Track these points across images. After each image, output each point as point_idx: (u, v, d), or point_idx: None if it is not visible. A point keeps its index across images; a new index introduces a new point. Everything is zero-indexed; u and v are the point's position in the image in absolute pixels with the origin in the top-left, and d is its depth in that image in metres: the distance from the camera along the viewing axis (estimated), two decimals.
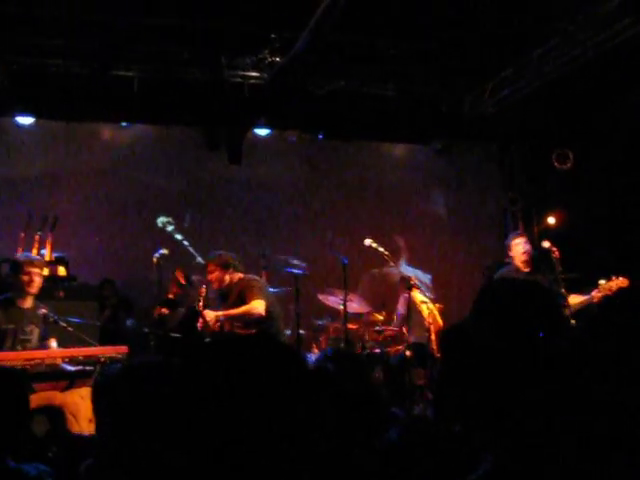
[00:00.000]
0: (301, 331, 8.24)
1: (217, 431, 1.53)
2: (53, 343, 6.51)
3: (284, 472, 1.54)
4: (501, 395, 1.52)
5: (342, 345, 8.48)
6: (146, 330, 7.47)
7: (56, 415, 5.47)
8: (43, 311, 6.40)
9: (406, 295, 8.23)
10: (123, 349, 6.14)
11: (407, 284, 7.69)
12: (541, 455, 1.47)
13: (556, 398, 1.51)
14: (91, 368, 5.88)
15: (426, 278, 8.75)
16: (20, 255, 6.78)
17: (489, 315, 1.65)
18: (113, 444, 2.81)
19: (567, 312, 7.22)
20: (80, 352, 6.01)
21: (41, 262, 6.59)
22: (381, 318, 9.15)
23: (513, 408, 1.51)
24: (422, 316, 8.35)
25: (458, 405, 1.71)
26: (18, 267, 6.38)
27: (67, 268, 8.38)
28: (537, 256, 7.94)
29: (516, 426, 1.50)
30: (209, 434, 1.54)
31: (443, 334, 2.36)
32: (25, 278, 6.29)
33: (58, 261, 8.35)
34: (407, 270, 8.35)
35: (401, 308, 8.95)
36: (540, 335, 1.51)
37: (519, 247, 7.72)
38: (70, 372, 5.91)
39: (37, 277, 6.35)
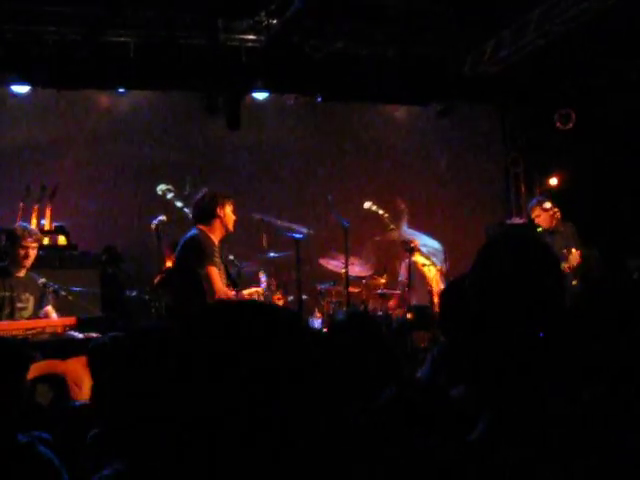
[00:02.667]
0: (303, 296, 8.24)
1: (214, 399, 1.51)
2: (52, 314, 6.52)
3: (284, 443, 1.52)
4: (495, 355, 1.50)
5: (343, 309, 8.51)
6: (147, 298, 7.48)
7: (59, 383, 5.48)
8: (42, 280, 6.40)
9: (407, 260, 8.23)
10: (71, 320, 6.11)
11: (407, 247, 7.66)
12: (536, 416, 1.45)
13: (549, 359, 1.49)
14: (98, 335, 5.89)
15: (434, 243, 8.73)
16: (17, 226, 6.66)
17: (487, 271, 1.61)
18: (113, 412, 2.80)
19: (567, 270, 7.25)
20: (28, 324, 5.97)
21: (38, 235, 6.55)
22: (383, 282, 9.15)
23: (506, 369, 1.49)
24: (424, 279, 8.35)
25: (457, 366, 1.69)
26: (15, 240, 6.36)
27: (67, 237, 8.37)
28: None
29: (511, 387, 1.48)
30: (205, 402, 1.52)
31: (442, 292, 2.34)
32: (21, 252, 6.29)
33: (58, 230, 8.34)
34: (408, 233, 8.32)
35: (403, 272, 8.94)
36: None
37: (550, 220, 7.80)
38: (73, 340, 5.92)
39: (33, 251, 6.35)
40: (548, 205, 7.69)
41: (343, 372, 2.59)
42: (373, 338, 2.79)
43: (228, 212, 5.99)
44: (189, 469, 1.54)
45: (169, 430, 1.79)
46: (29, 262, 6.36)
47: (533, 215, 8.11)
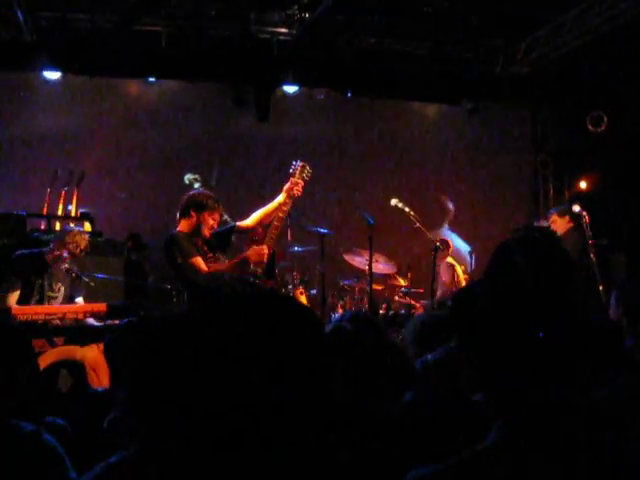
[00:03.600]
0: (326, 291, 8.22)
1: (226, 389, 1.50)
2: (80, 301, 6.56)
3: (295, 432, 1.51)
4: (503, 361, 1.47)
5: (366, 306, 8.50)
6: (168, 286, 7.50)
7: (77, 369, 5.51)
8: (66, 266, 6.43)
9: (446, 261, 8.15)
10: (102, 307, 6.11)
11: (434, 247, 7.58)
12: (550, 422, 1.43)
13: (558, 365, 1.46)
14: (116, 322, 5.92)
15: (464, 246, 8.69)
16: (72, 230, 6.70)
17: (498, 273, 1.59)
18: (131, 398, 2.80)
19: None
20: (49, 309, 5.96)
21: (82, 250, 6.51)
22: (404, 284, 9.11)
23: (515, 374, 1.46)
24: (456, 279, 8.34)
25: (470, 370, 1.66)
26: (61, 242, 6.39)
27: (92, 224, 8.41)
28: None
29: (524, 393, 1.47)
30: (217, 391, 1.51)
31: (454, 296, 2.31)
32: (56, 254, 6.30)
33: (83, 217, 8.39)
34: (445, 234, 8.29)
35: (444, 276, 8.82)
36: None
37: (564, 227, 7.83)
38: (92, 327, 5.96)
39: (67, 259, 6.37)
40: (577, 208, 7.61)
41: (352, 373, 2.57)
42: (379, 343, 2.76)
43: (207, 219, 5.94)
44: (195, 457, 1.53)
45: (180, 418, 1.78)
46: (59, 263, 6.40)
47: (550, 221, 8.10)
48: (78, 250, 6.40)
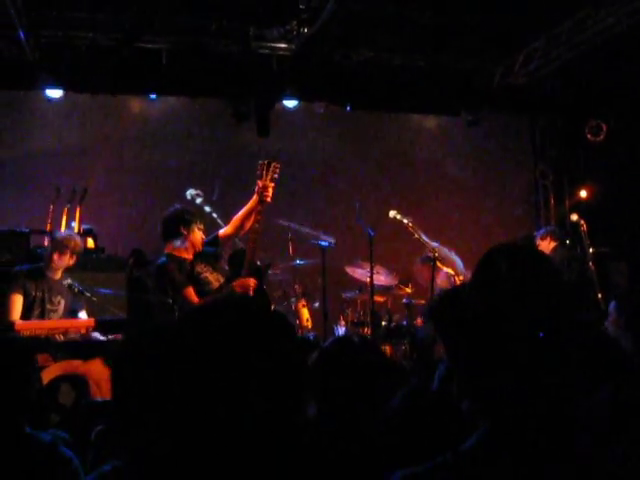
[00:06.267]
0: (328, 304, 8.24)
1: (209, 398, 1.54)
2: (83, 315, 6.61)
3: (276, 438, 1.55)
4: (488, 363, 1.51)
5: (368, 319, 8.51)
6: (170, 301, 7.51)
7: (80, 383, 5.55)
8: (68, 281, 6.49)
9: (445, 271, 8.17)
10: (90, 322, 6.19)
11: (430, 259, 7.61)
12: (531, 423, 1.46)
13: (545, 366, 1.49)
14: (120, 337, 5.99)
15: (459, 262, 8.68)
16: (62, 233, 6.94)
17: (484, 280, 1.63)
18: (120, 409, 2.85)
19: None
20: (52, 324, 6.06)
21: (76, 245, 6.62)
22: (408, 291, 9.11)
23: (502, 375, 1.50)
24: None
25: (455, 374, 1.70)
26: (53, 243, 6.58)
27: (95, 240, 8.46)
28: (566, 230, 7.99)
29: (507, 394, 1.49)
30: (201, 401, 1.55)
31: (437, 300, 2.33)
32: (55, 256, 6.41)
33: (86, 233, 8.43)
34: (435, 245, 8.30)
35: (442, 284, 8.81)
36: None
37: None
38: (96, 341, 6.01)
39: (65, 258, 6.44)
40: (575, 217, 7.68)
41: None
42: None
43: (195, 231, 5.97)
44: (184, 462, 1.58)
45: (171, 424, 1.83)
46: (58, 267, 6.47)
47: (536, 246, 8.29)
48: (72, 246, 6.55)
